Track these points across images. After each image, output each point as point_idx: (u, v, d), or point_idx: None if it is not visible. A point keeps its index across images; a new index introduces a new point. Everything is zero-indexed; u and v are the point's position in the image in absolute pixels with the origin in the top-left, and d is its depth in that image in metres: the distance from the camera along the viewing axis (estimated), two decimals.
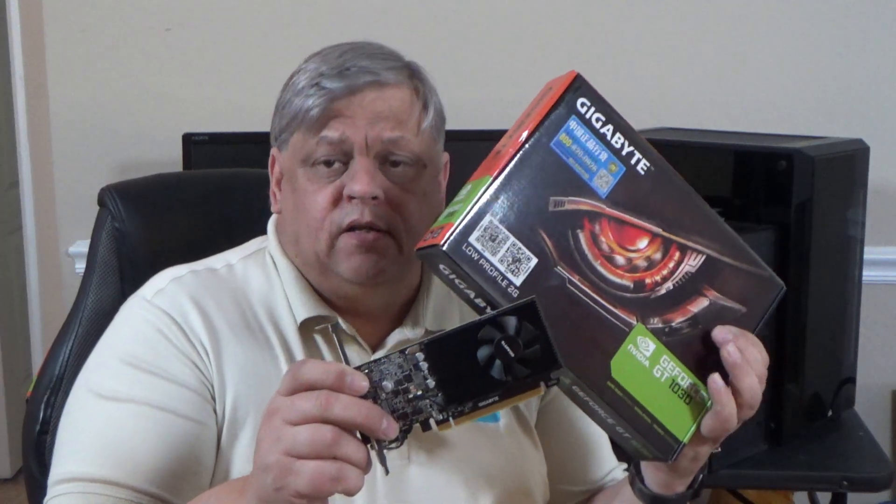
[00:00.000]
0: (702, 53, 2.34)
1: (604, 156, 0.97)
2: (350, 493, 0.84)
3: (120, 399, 1.08)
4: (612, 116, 0.98)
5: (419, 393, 0.86)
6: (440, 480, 1.14)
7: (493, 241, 0.93)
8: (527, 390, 0.87)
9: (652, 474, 1.10)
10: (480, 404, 0.86)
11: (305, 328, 1.15)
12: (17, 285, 3.23)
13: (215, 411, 1.10)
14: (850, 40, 2.31)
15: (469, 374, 0.85)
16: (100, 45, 2.43)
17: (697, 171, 1.95)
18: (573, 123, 0.97)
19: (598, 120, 0.98)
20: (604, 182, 0.97)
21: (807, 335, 1.83)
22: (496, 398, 0.86)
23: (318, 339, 1.16)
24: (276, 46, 2.37)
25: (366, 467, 0.85)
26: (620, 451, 1.35)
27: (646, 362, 0.97)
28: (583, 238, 0.96)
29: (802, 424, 1.88)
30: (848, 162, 1.91)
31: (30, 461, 1.32)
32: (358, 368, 0.85)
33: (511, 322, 0.85)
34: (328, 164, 1.10)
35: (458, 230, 0.92)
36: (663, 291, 0.99)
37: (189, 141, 2.23)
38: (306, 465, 0.83)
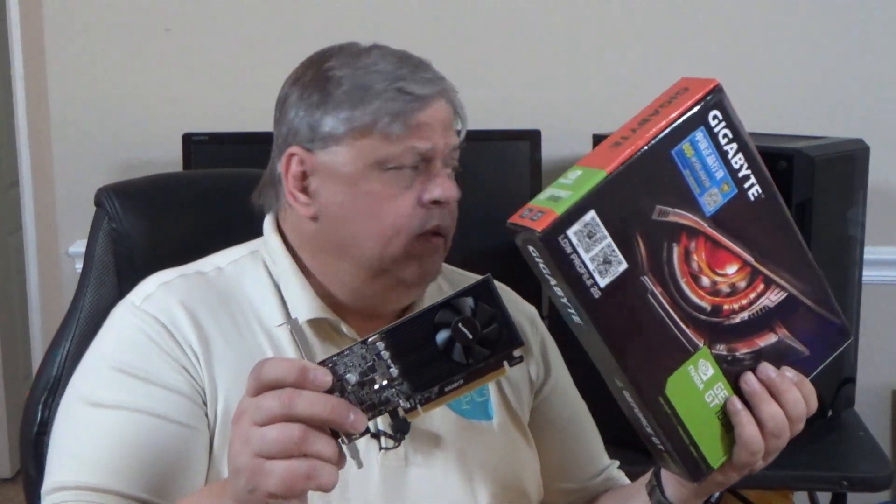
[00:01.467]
0: (702, 53, 2.34)
1: (720, 174, 0.94)
2: (324, 490, 0.83)
3: (110, 406, 1.07)
4: (738, 134, 0.95)
5: (384, 383, 0.85)
6: (438, 480, 1.14)
7: (590, 237, 0.89)
8: (490, 371, 0.87)
9: (674, 488, 1.11)
10: (446, 389, 0.86)
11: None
12: (17, 285, 3.23)
13: (207, 416, 1.09)
14: (850, 40, 2.31)
15: (431, 359, 0.85)
16: (100, 45, 2.43)
17: None
18: (700, 135, 0.93)
19: (724, 136, 0.94)
20: (712, 200, 0.94)
21: None
22: (461, 381, 0.86)
23: (313, 340, 1.15)
24: (276, 46, 2.37)
25: (338, 462, 0.84)
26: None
27: (700, 385, 0.96)
28: (676, 253, 0.93)
29: None
30: (848, 162, 1.91)
31: (28, 462, 1.31)
32: (321, 363, 0.85)
33: (467, 303, 0.85)
34: (412, 169, 1.11)
35: (559, 220, 0.88)
36: (737, 321, 0.97)
37: (189, 141, 2.23)
38: (277, 465, 0.82)
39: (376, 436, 1.10)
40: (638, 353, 0.93)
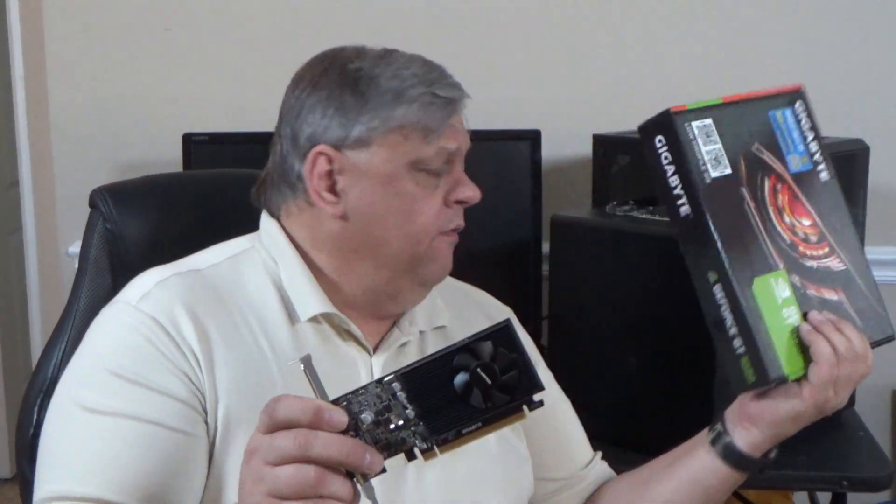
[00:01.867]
0: (702, 53, 2.33)
1: (801, 147, 1.13)
2: None
3: (105, 412, 1.05)
4: (814, 127, 1.15)
5: (400, 423, 0.84)
6: (437, 478, 1.14)
7: (707, 136, 1.07)
8: (510, 415, 0.85)
9: (744, 432, 1.14)
10: (464, 432, 0.85)
11: (295, 327, 1.14)
12: (17, 285, 3.23)
13: (206, 422, 1.08)
14: (850, 40, 2.31)
15: (448, 402, 0.83)
16: (100, 45, 2.43)
17: None
18: (788, 112, 1.14)
19: (805, 123, 1.14)
20: (794, 163, 1.12)
21: None
22: (479, 425, 0.84)
23: (309, 334, 1.15)
24: (276, 46, 2.37)
25: (353, 502, 0.83)
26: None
27: (779, 300, 1.07)
28: (768, 184, 1.09)
29: None
30: (848, 162, 1.91)
31: (23, 464, 1.30)
32: (335, 401, 0.83)
33: (486, 348, 0.83)
34: (440, 170, 1.14)
35: (688, 110, 1.07)
36: (808, 264, 1.10)
37: (189, 141, 2.23)
38: None
39: None
40: (735, 243, 1.05)
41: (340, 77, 1.13)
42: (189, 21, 2.41)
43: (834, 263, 1.11)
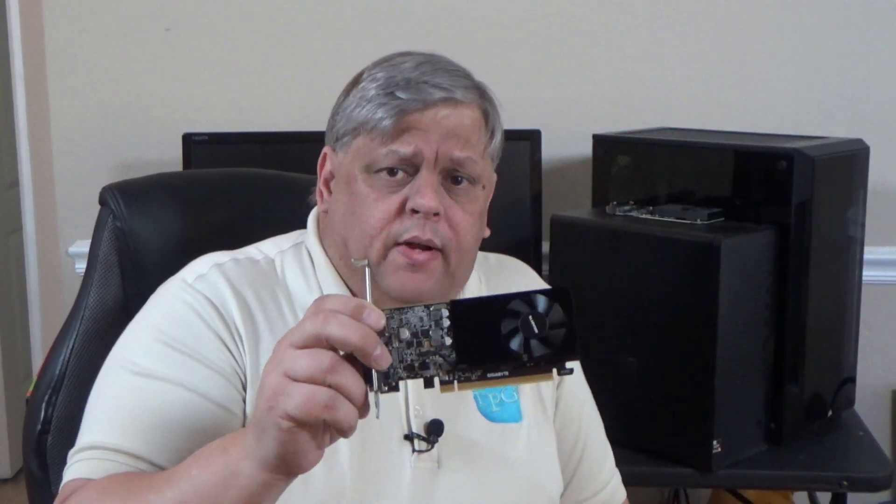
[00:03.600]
0: (702, 53, 2.33)
1: None
2: (339, 427, 0.84)
3: (151, 376, 1.08)
4: None
5: (432, 349, 0.85)
6: (469, 484, 1.14)
7: None
8: (538, 373, 0.86)
9: None
10: (489, 375, 0.86)
11: None
12: (17, 285, 3.23)
13: (244, 401, 1.10)
14: (849, 40, 2.31)
15: (488, 340, 0.85)
16: (100, 45, 2.43)
17: (697, 171, 1.95)
18: None
19: None
20: None
21: (807, 335, 1.83)
22: (506, 373, 0.86)
23: None
24: (276, 47, 2.37)
25: (360, 405, 0.84)
26: None
27: None
28: None
29: (802, 424, 1.88)
30: (848, 162, 1.91)
31: (30, 461, 1.31)
32: (382, 310, 0.86)
33: (543, 301, 0.85)
34: (392, 173, 1.10)
35: None
36: None
37: (189, 141, 2.23)
38: (299, 388, 0.83)
39: (409, 438, 1.11)
40: None
41: (352, 80, 1.16)
42: (189, 21, 2.41)
43: None
